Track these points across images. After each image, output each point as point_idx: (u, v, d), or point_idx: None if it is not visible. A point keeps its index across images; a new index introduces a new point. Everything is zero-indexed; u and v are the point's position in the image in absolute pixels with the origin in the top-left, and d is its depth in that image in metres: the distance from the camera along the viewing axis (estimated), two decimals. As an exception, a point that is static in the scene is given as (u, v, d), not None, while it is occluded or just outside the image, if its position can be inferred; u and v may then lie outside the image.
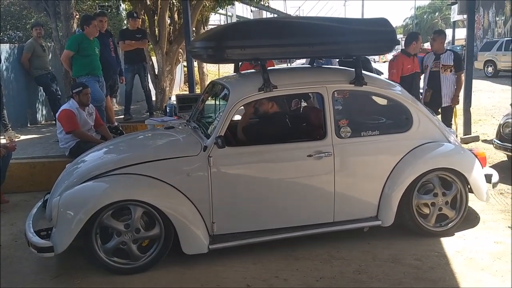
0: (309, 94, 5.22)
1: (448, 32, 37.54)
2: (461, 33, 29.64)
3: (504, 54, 18.27)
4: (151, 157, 3.69)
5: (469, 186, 4.06)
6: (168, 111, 6.85)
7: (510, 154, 5.94)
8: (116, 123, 7.46)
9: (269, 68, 3.91)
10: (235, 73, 4.45)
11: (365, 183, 3.90)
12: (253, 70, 4.34)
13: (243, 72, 4.48)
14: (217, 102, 4.20)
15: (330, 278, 3.43)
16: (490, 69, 18.48)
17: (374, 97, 4.37)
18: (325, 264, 3.64)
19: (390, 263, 3.62)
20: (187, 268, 3.62)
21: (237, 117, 4.01)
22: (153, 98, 9.45)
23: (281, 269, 3.58)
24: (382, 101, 4.55)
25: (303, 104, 5.70)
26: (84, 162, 3.99)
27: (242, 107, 3.85)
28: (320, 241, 3.92)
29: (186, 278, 3.49)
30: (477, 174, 4.06)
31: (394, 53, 7.69)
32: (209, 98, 4.47)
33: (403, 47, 6.63)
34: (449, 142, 4.17)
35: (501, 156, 6.51)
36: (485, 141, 7.60)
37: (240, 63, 4.69)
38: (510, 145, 5.80)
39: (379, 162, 3.92)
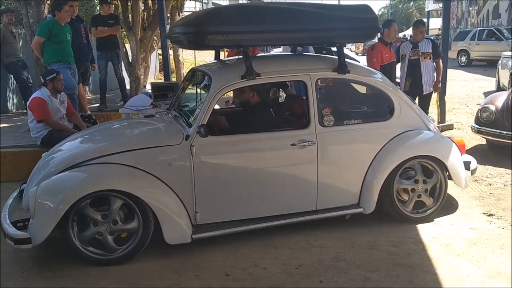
0: (287, 83, 5.21)
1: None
2: (435, 23, 30.07)
3: (478, 44, 18.66)
4: (131, 146, 3.60)
5: (448, 173, 4.11)
6: (143, 100, 6.68)
7: (487, 137, 6.14)
8: (89, 112, 7.29)
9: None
10: (216, 61, 4.36)
11: (348, 171, 3.91)
12: (235, 57, 4.27)
13: (224, 59, 4.40)
14: (199, 90, 4.11)
15: (309, 266, 3.44)
16: (463, 59, 18.86)
17: (355, 86, 4.39)
18: (304, 252, 3.64)
19: (368, 249, 3.65)
20: (165, 258, 3.57)
21: (217, 106, 3.94)
22: (127, 87, 9.25)
23: (260, 257, 3.57)
24: (363, 89, 4.57)
25: (281, 93, 5.68)
26: (61, 151, 3.86)
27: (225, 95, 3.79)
28: (299, 229, 3.92)
29: (164, 269, 3.44)
30: (456, 161, 4.12)
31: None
32: (190, 86, 4.37)
33: (380, 36, 6.66)
34: (429, 130, 4.22)
35: (476, 141, 6.68)
36: (459, 129, 7.76)
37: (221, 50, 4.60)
38: (488, 129, 5.99)
39: (361, 150, 3.93)
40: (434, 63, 6.60)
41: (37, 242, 3.29)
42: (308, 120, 3.76)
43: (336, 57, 3.93)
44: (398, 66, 6.86)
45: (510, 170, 5.43)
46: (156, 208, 3.44)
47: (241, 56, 3.83)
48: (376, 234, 3.90)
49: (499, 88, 11.27)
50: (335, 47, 3.93)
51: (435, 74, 6.66)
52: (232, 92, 4.26)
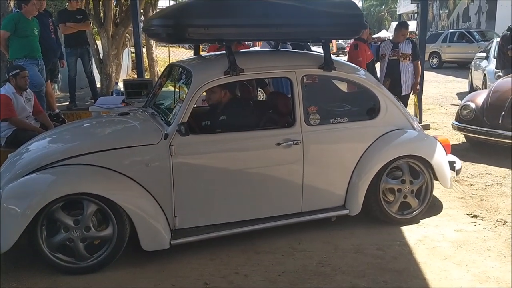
0: (266, 81, 5.05)
1: (394, 25, 38.80)
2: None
3: (449, 46, 18.95)
4: (104, 146, 3.36)
5: (433, 173, 4.02)
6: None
7: (468, 134, 6.22)
8: (57, 110, 6.98)
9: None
10: (195, 56, 4.15)
11: (334, 171, 3.77)
12: (216, 53, 4.07)
13: (205, 54, 4.20)
14: (178, 87, 3.89)
15: (293, 272, 3.27)
16: (435, 61, 19.10)
17: (338, 83, 4.26)
18: (287, 257, 3.48)
19: (352, 253, 3.52)
20: (139, 266, 3.35)
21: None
22: (98, 85, 8.94)
23: (241, 264, 3.39)
24: (349, 88, 4.45)
25: (260, 91, 5.52)
26: (28, 151, 3.58)
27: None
28: (281, 232, 3.75)
29: (137, 278, 3.22)
30: (442, 161, 4.05)
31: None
32: (168, 82, 4.15)
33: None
34: (414, 129, 4.13)
35: (454, 141, 6.69)
36: (435, 129, 7.77)
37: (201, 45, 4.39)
38: (469, 126, 6.07)
39: (347, 150, 3.80)
40: (413, 65, 6.57)
41: (3, 250, 3.03)
42: (293, 118, 3.60)
43: (322, 54, 3.78)
44: (377, 65, 6.82)
45: (500, 169, 5.45)
46: (132, 213, 3.21)
47: (222, 52, 3.64)
48: (360, 237, 3.78)
49: (472, 89, 11.42)
50: (321, 44, 3.78)
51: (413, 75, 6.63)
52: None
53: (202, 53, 4.54)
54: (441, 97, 11.59)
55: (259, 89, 5.34)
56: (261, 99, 4.60)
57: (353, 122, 3.83)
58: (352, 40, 6.67)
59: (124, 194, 3.24)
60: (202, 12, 3.43)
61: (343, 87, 4.68)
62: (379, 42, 7.46)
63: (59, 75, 7.82)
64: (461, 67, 18.64)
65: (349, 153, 3.80)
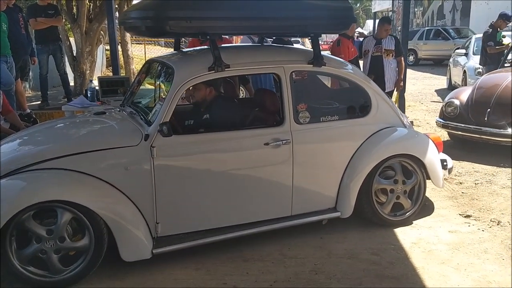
0: (247, 77, 4.84)
1: (369, 23, 38.99)
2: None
3: (425, 43, 19.05)
4: (80, 148, 3.09)
5: (424, 173, 3.88)
6: (89, 95, 6.10)
7: (452, 132, 6.16)
8: (28, 110, 6.62)
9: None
10: (176, 51, 3.90)
11: (324, 172, 3.59)
12: (198, 48, 3.83)
13: (186, 50, 3.95)
14: (158, 84, 3.64)
15: (284, 281, 3.07)
16: (411, 58, 19.17)
17: (324, 80, 4.08)
18: (278, 265, 3.28)
19: (347, 259, 3.35)
20: (119, 279, 3.10)
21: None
22: (71, 83, 8.59)
23: (228, 273, 3.17)
24: (333, 83, 4.27)
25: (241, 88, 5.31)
26: (-6, 155, 3.28)
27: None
28: (270, 238, 3.55)
29: (116, 292, 2.97)
30: (435, 160, 3.92)
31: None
32: (147, 79, 3.89)
33: None
34: (405, 126, 3.98)
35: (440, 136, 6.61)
36: (418, 126, 7.70)
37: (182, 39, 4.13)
38: (452, 123, 6.01)
39: (338, 149, 3.62)
40: (396, 61, 6.45)
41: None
42: (282, 117, 3.39)
43: (310, 49, 3.59)
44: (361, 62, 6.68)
45: (487, 167, 5.38)
46: (110, 221, 2.97)
47: (205, 47, 3.40)
48: (353, 241, 3.61)
49: (451, 86, 11.46)
50: (309, 38, 3.58)
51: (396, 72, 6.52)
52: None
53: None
54: (420, 94, 11.59)
55: (240, 86, 5.14)
56: (247, 96, 4.37)
57: (344, 120, 3.66)
58: (334, 37, 6.49)
59: (101, 200, 2.99)
60: (185, 4, 3.18)
61: (326, 83, 4.50)
62: (362, 38, 7.30)
63: (30, 73, 7.45)
64: (437, 64, 18.80)
65: (340, 153, 3.62)
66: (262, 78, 5.00)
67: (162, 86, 3.52)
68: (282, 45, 4.36)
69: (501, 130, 5.52)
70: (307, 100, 3.52)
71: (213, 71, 3.21)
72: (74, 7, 8.87)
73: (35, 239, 2.90)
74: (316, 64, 3.50)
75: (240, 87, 5.29)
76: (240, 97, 4.35)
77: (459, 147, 6.12)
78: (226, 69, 3.23)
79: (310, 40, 3.62)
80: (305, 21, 3.48)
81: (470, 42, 11.36)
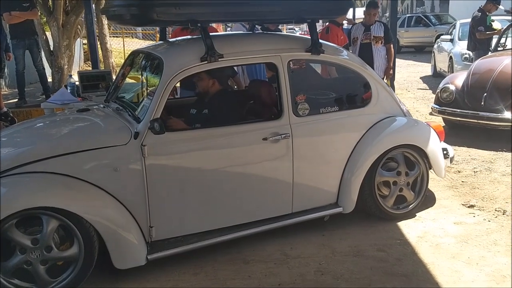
0: (234, 68, 4.62)
1: (350, 11, 38.95)
2: (361, 12, 30.61)
3: (407, 31, 18.99)
4: (63, 149, 2.85)
5: (427, 163, 3.74)
6: (69, 91, 5.81)
7: (449, 117, 6.10)
8: (5, 109, 6.26)
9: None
10: (162, 41, 3.65)
11: (325, 166, 3.42)
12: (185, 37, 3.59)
13: (173, 39, 3.70)
14: (145, 77, 3.39)
15: (290, 284, 2.90)
16: (394, 46, 19.10)
17: (316, 68, 3.89)
18: (281, 266, 3.09)
19: (352, 257, 3.18)
20: (111, 286, 2.89)
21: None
22: (49, 79, 8.25)
23: (229, 277, 2.98)
24: (323, 72, 4.08)
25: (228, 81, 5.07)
26: (-30, 159, 3.00)
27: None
28: (270, 237, 3.37)
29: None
30: (437, 150, 3.78)
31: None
32: (132, 72, 3.64)
33: None
34: (405, 115, 3.83)
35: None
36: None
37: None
38: (449, 109, 5.97)
39: (339, 142, 3.45)
40: (386, 48, 6.30)
41: None
42: (280, 109, 3.19)
43: (307, 37, 3.39)
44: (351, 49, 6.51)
45: (484, 152, 5.30)
46: (100, 227, 2.74)
47: (192, 36, 3.16)
48: (356, 237, 3.45)
49: (436, 73, 11.38)
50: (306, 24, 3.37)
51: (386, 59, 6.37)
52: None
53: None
54: (406, 81, 11.49)
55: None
56: (243, 88, 4.15)
57: (344, 111, 3.48)
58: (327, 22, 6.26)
59: (89, 205, 2.77)
60: (173, -12, 2.94)
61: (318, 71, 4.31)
62: (350, 26, 7.13)
63: (6, 69, 7.11)
64: (418, 51, 18.77)
65: (341, 146, 3.45)
66: (255, 68, 4.78)
67: (150, 79, 3.27)
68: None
69: (499, 114, 5.49)
70: (305, 91, 3.31)
71: (206, 62, 2.99)
72: (50, 0, 8.49)
73: (19, 250, 2.67)
74: (314, 52, 3.30)
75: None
76: (238, 89, 4.10)
77: (453, 134, 5.99)
78: (219, 59, 3.01)
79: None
80: (303, 6, 3.27)
81: (454, 27, 11.27)
